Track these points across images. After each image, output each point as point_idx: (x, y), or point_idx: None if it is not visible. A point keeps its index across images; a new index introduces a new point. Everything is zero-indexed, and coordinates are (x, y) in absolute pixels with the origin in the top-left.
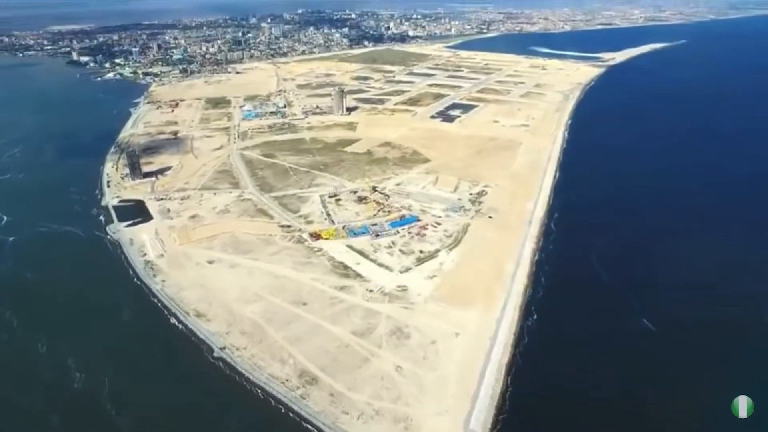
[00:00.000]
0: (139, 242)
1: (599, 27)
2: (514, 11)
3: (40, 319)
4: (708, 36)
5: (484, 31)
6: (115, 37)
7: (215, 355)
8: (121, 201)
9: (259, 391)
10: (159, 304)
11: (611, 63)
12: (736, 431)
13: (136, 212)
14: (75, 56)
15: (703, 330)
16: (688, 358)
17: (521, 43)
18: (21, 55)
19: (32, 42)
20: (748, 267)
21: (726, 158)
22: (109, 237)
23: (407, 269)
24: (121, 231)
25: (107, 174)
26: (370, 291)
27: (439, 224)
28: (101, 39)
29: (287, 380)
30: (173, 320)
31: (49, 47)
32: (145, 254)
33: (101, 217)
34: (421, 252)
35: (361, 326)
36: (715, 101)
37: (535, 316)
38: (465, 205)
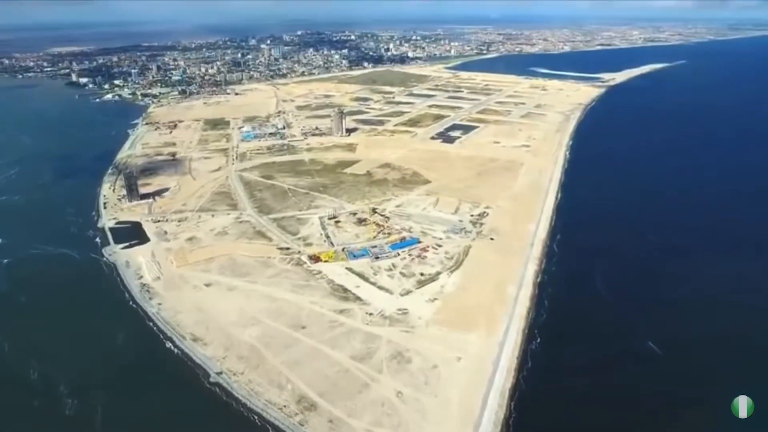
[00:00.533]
0: (136, 265)
1: (599, 48)
2: (513, 32)
3: (32, 343)
4: (707, 56)
5: (484, 52)
6: (115, 59)
7: (212, 380)
8: (117, 223)
9: (256, 417)
10: (155, 328)
11: (611, 83)
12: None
13: (132, 234)
14: (74, 78)
15: (710, 352)
16: (696, 383)
17: (521, 64)
18: (20, 76)
19: (32, 64)
20: (754, 283)
21: (728, 177)
22: (104, 259)
23: (408, 292)
24: (117, 253)
25: (104, 195)
26: (370, 314)
27: (439, 246)
28: (101, 61)
29: (285, 406)
30: (169, 344)
31: (48, 69)
32: (141, 277)
33: (97, 239)
34: (421, 274)
35: (360, 350)
36: (716, 120)
37: (539, 340)
38: (466, 227)
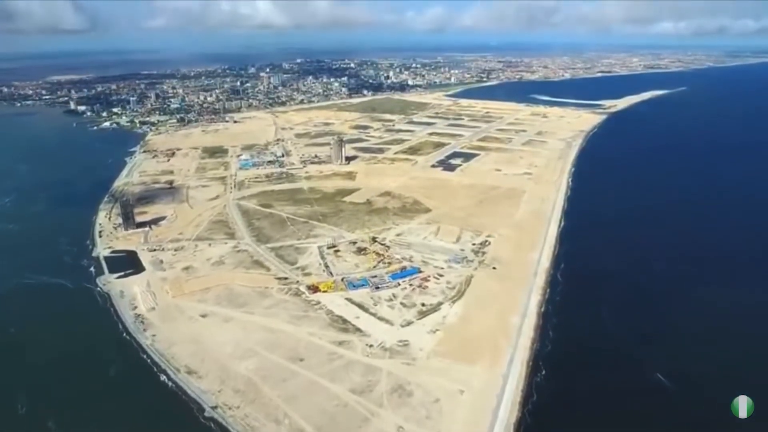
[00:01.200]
0: (130, 295)
1: (599, 74)
2: (513, 60)
3: (21, 376)
4: (707, 83)
5: (484, 79)
6: (114, 87)
7: (206, 414)
8: (112, 252)
9: None
10: (148, 361)
11: (613, 110)
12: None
13: (127, 263)
14: (72, 105)
15: (722, 384)
16: (707, 416)
17: (522, 91)
18: (19, 104)
19: (31, 92)
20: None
21: (733, 203)
22: (98, 289)
23: (409, 323)
24: (111, 283)
25: (100, 224)
26: (370, 346)
27: (441, 276)
28: (99, 88)
29: None
30: (163, 377)
31: (47, 97)
32: (135, 307)
33: (91, 269)
34: (422, 305)
35: (360, 383)
36: (718, 145)
37: (544, 372)
38: (468, 256)
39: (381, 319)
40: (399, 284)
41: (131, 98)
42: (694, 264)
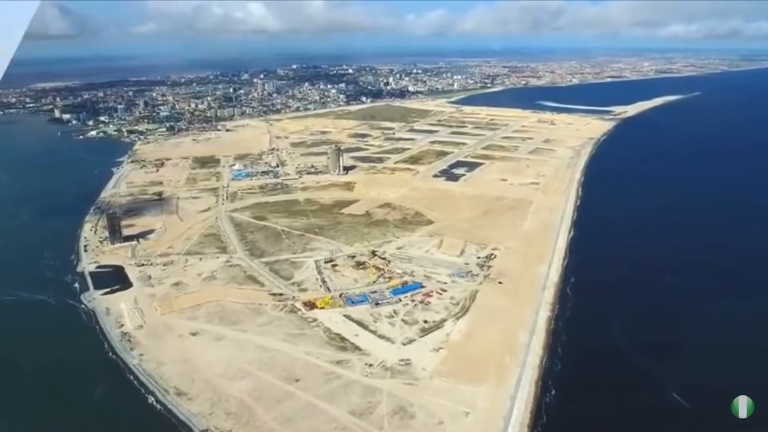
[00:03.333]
0: (116, 312)
1: (608, 80)
2: (518, 65)
3: (0, 398)
4: (723, 88)
5: (488, 85)
6: (101, 94)
7: None
8: (98, 267)
9: None
10: (135, 382)
11: (623, 116)
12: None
13: (114, 279)
14: (57, 114)
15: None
16: None
17: (528, 98)
18: (2, 113)
19: (14, 100)
20: None
21: (750, 213)
22: (83, 306)
23: (410, 341)
24: (96, 299)
25: (85, 237)
26: (370, 365)
27: (444, 291)
28: (86, 96)
29: None
30: (151, 399)
31: (31, 105)
32: (122, 325)
33: (76, 285)
34: (425, 322)
35: (360, 405)
36: (734, 154)
37: (554, 392)
38: (472, 270)
39: (381, 336)
40: (400, 300)
41: (119, 106)
42: (710, 276)
